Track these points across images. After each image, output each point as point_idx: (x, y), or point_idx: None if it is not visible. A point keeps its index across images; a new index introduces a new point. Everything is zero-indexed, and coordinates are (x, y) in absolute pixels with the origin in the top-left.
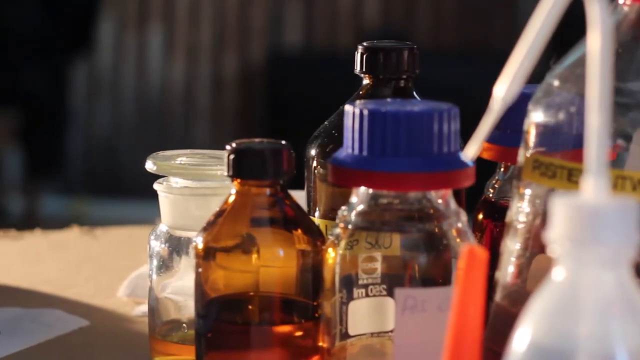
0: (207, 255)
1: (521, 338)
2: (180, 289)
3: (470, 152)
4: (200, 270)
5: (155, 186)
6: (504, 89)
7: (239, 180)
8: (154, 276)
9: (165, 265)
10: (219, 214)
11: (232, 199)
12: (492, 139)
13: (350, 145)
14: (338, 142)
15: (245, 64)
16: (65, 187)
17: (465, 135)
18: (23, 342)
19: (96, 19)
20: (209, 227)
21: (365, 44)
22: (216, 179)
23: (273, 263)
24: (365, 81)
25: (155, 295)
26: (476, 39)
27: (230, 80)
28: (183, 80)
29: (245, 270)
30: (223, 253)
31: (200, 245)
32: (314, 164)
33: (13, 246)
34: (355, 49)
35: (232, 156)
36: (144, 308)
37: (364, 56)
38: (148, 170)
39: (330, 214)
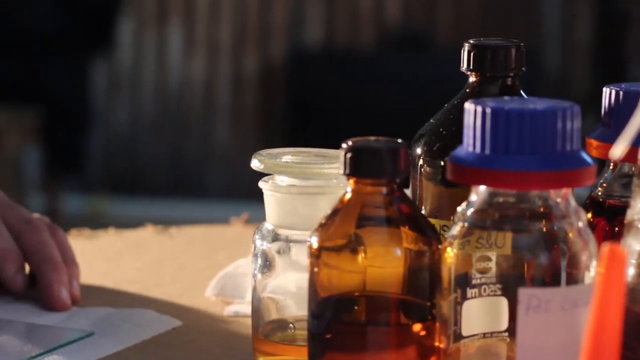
0: (321, 254)
1: None
2: (278, 288)
3: (618, 151)
4: (315, 269)
5: (261, 185)
6: None
7: (355, 178)
8: (259, 275)
9: (269, 265)
10: (334, 213)
11: (347, 197)
12: (601, 136)
13: (471, 143)
14: (445, 140)
15: (265, 61)
16: (85, 185)
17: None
18: (119, 342)
19: (117, 17)
20: (323, 226)
21: (472, 41)
22: (323, 177)
23: (385, 263)
24: (472, 79)
25: (258, 295)
26: (496, 37)
27: (251, 78)
28: (203, 78)
29: (353, 270)
30: (335, 252)
31: (315, 245)
32: (420, 162)
33: (89, 245)
34: (377, 47)
35: (349, 154)
36: (235, 308)
37: (472, 54)
38: (254, 168)
39: (437, 213)
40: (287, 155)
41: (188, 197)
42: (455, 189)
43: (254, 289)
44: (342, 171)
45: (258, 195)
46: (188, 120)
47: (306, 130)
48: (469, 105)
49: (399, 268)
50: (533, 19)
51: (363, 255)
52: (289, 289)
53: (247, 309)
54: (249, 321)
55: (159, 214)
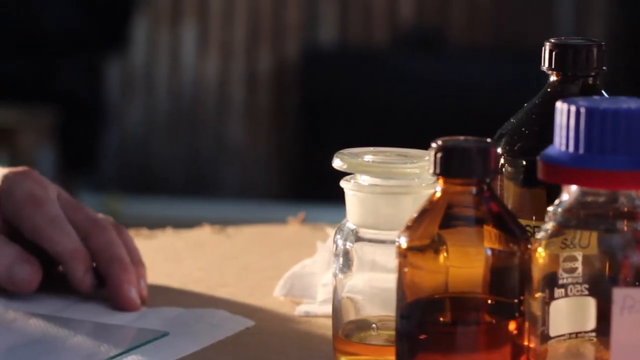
0: (409, 254)
1: None
2: (358, 288)
3: None
4: (405, 270)
5: (342, 184)
6: None
7: (444, 178)
8: (339, 275)
9: (350, 264)
10: (422, 213)
11: (436, 197)
12: None
13: (564, 143)
14: (528, 139)
15: (279, 60)
16: (99, 184)
17: (495, 129)
18: (195, 342)
19: (132, 16)
20: (411, 226)
21: (553, 40)
22: (405, 177)
23: (469, 262)
24: (553, 78)
25: (339, 295)
26: (511, 37)
27: (265, 77)
28: (217, 77)
29: (437, 271)
30: (420, 253)
31: (404, 245)
32: (501, 162)
33: (148, 245)
34: (391, 46)
35: (439, 154)
36: (306, 308)
37: (553, 53)
38: (336, 168)
39: (518, 213)
40: (368, 155)
41: (202, 196)
42: (536, 188)
43: (335, 289)
44: (431, 171)
45: (271, 194)
46: (202, 119)
47: (320, 129)
48: (561, 105)
49: (484, 268)
50: (547, 18)
51: (445, 255)
52: (370, 289)
53: (317, 309)
54: (320, 321)
55: (172, 213)
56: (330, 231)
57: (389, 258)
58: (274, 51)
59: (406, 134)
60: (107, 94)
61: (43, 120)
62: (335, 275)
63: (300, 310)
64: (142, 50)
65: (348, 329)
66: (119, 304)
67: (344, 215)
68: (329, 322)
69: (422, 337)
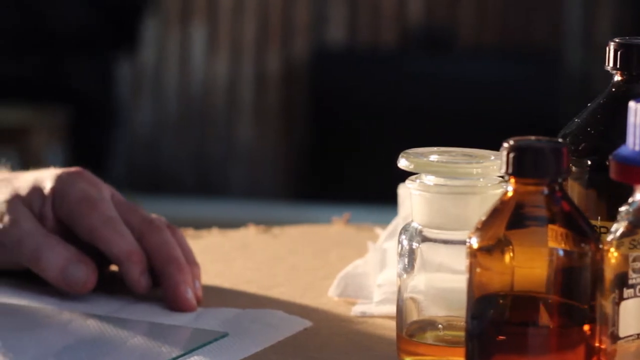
0: (479, 255)
1: None
2: (424, 288)
3: None
4: (477, 270)
5: (408, 184)
6: None
7: (516, 178)
8: (404, 275)
9: (415, 265)
10: (493, 213)
11: (507, 197)
12: None
13: (637, 143)
14: (593, 139)
15: (288, 60)
16: (109, 183)
17: (510, 130)
18: (257, 343)
19: (143, 16)
20: (482, 227)
21: (617, 40)
22: (472, 176)
23: (536, 263)
24: (617, 78)
25: (403, 295)
26: (519, 37)
27: (274, 77)
28: (226, 77)
29: (504, 272)
30: (487, 253)
31: (475, 245)
32: None
33: (195, 246)
34: (400, 46)
35: (512, 154)
36: (362, 308)
37: (618, 53)
38: (402, 168)
39: (586, 213)
40: (434, 155)
41: (211, 196)
42: (602, 188)
43: (399, 289)
44: (502, 170)
45: (280, 194)
46: (211, 119)
47: (329, 129)
48: (635, 105)
49: (555, 269)
50: (554, 18)
51: (511, 255)
52: (434, 289)
53: (374, 309)
54: (378, 321)
55: (182, 213)
56: (380, 232)
57: (456, 258)
58: (283, 51)
59: (416, 134)
60: (117, 94)
61: (54, 121)
62: (399, 276)
63: (356, 310)
64: (152, 50)
65: (412, 329)
66: (175, 304)
67: (353, 213)
68: (386, 323)
69: (497, 338)
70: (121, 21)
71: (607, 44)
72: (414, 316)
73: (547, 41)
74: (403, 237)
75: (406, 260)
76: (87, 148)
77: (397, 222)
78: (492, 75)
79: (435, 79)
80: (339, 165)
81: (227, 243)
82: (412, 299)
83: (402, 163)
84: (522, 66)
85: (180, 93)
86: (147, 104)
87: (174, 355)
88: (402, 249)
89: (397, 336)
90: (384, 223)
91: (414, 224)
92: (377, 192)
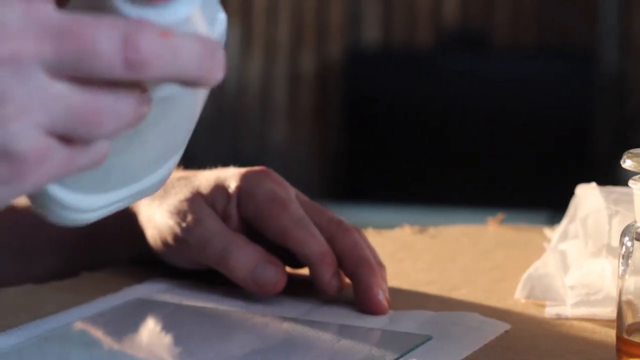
0: None
1: None
2: (627, 290)
3: None
4: None
5: (631, 184)
6: None
7: None
8: (627, 276)
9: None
10: None
11: None
12: None
13: None
14: None
15: (322, 61)
16: None
17: (546, 129)
18: (464, 347)
19: None
20: None
21: None
22: None
23: None
24: None
25: (621, 297)
26: (555, 36)
27: (308, 78)
28: (260, 78)
29: None
30: None
31: None
32: None
33: None
34: (435, 45)
35: None
36: (556, 310)
37: None
38: (628, 168)
39: None
40: None
41: None
42: None
43: (620, 291)
44: None
45: (314, 195)
46: (244, 120)
47: (363, 130)
48: None
49: None
50: (591, 18)
51: None
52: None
53: (569, 311)
54: (575, 324)
55: None
56: (550, 233)
57: None
58: (318, 51)
59: (450, 134)
60: None
61: None
62: (620, 277)
63: (550, 312)
64: None
65: (631, 331)
66: (368, 307)
67: (387, 215)
68: (586, 325)
69: None
70: None
71: None
72: (630, 318)
73: (583, 40)
74: (626, 238)
75: (628, 262)
76: None
77: (567, 224)
78: (528, 73)
79: (471, 79)
80: (374, 166)
81: (389, 244)
82: (627, 301)
83: (627, 164)
84: (557, 65)
85: (214, 94)
86: None
87: (387, 359)
88: (625, 250)
89: (617, 337)
90: (420, 225)
91: (637, 225)
92: (411, 193)
